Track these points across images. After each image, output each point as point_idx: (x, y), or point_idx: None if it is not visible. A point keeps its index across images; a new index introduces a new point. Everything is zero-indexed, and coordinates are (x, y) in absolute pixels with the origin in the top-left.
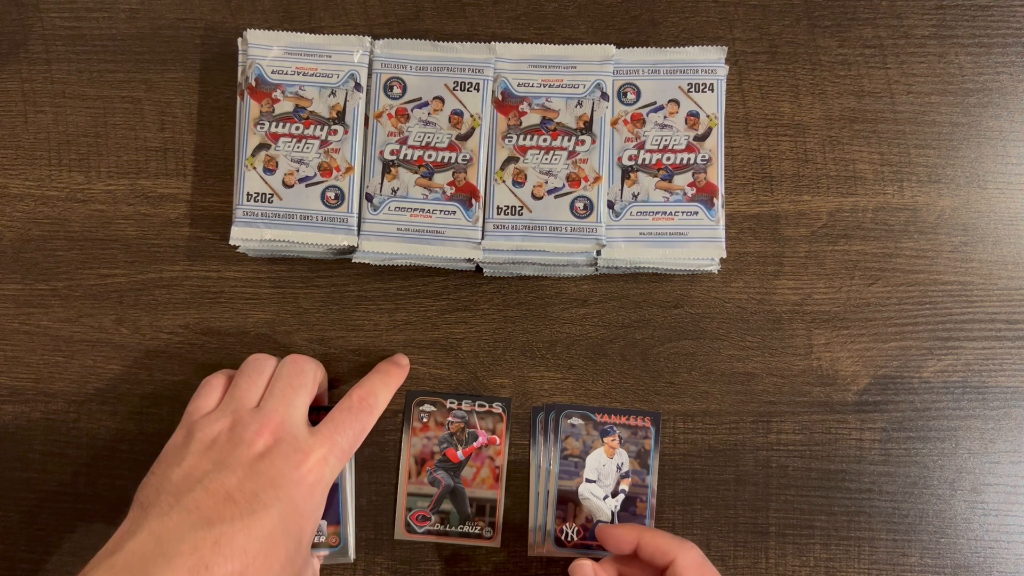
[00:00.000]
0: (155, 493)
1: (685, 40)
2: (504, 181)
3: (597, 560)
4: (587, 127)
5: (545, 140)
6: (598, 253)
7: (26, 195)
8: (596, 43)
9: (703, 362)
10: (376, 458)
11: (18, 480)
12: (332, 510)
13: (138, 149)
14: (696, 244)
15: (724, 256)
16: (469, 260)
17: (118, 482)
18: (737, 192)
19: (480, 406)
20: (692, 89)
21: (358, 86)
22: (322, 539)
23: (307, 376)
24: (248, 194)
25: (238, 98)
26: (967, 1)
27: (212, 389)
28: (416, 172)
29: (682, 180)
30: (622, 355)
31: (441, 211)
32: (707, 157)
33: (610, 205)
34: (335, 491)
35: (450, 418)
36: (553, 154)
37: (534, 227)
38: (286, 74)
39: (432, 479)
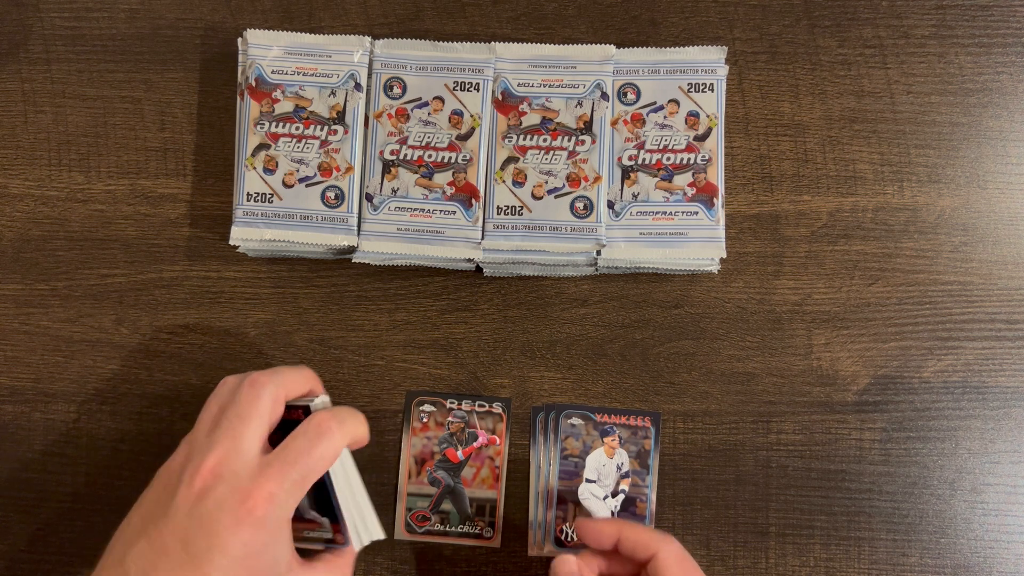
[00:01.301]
0: (116, 539)
1: (685, 40)
2: (504, 181)
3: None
4: (587, 127)
5: (545, 140)
6: (598, 253)
7: (26, 195)
8: (596, 43)
9: (703, 362)
10: (376, 458)
11: (18, 480)
12: (328, 510)
13: (138, 149)
14: (696, 244)
15: (724, 256)
16: (469, 260)
17: (118, 482)
18: (737, 192)
19: (480, 406)
20: (692, 89)
21: (358, 86)
22: (327, 535)
23: (262, 403)
24: (248, 194)
25: (238, 98)
26: (967, 1)
27: None
28: (416, 172)
29: (682, 180)
30: (622, 355)
31: (441, 211)
32: (707, 157)
33: (610, 205)
34: (324, 491)
35: (450, 418)
36: (553, 154)
37: (534, 227)
38: (286, 74)
39: (432, 479)
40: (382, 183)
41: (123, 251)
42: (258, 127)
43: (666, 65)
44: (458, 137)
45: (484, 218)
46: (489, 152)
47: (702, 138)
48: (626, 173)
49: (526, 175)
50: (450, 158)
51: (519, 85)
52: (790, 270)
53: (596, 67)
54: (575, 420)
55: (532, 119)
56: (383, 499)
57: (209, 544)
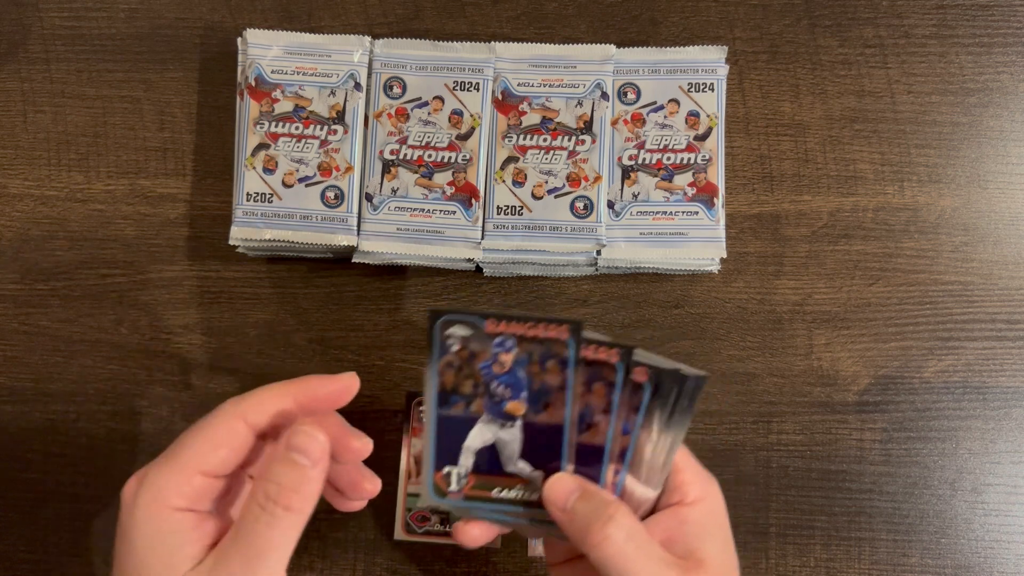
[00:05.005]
0: None
1: (685, 40)
2: (504, 181)
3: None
4: (587, 127)
5: (545, 140)
6: (598, 253)
7: (25, 195)
8: (596, 43)
9: (703, 362)
10: (376, 458)
11: (18, 480)
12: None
13: (137, 149)
14: (696, 244)
15: (724, 256)
16: (469, 260)
17: (117, 482)
18: (737, 192)
19: None
20: (692, 89)
21: (358, 86)
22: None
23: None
24: (248, 194)
25: (238, 98)
26: (968, 1)
27: None
28: (416, 172)
29: (682, 180)
30: None
31: (441, 211)
32: (707, 157)
33: (610, 205)
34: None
35: None
36: (553, 154)
37: (534, 227)
38: (286, 74)
39: None
40: (382, 183)
41: (123, 251)
42: (258, 127)
43: (666, 65)
44: (458, 137)
45: (484, 218)
46: (489, 152)
47: (702, 138)
48: (626, 173)
49: (526, 175)
50: (450, 158)
51: (519, 85)
52: (791, 270)
53: (596, 67)
54: None
55: (532, 119)
56: (383, 499)
57: None
